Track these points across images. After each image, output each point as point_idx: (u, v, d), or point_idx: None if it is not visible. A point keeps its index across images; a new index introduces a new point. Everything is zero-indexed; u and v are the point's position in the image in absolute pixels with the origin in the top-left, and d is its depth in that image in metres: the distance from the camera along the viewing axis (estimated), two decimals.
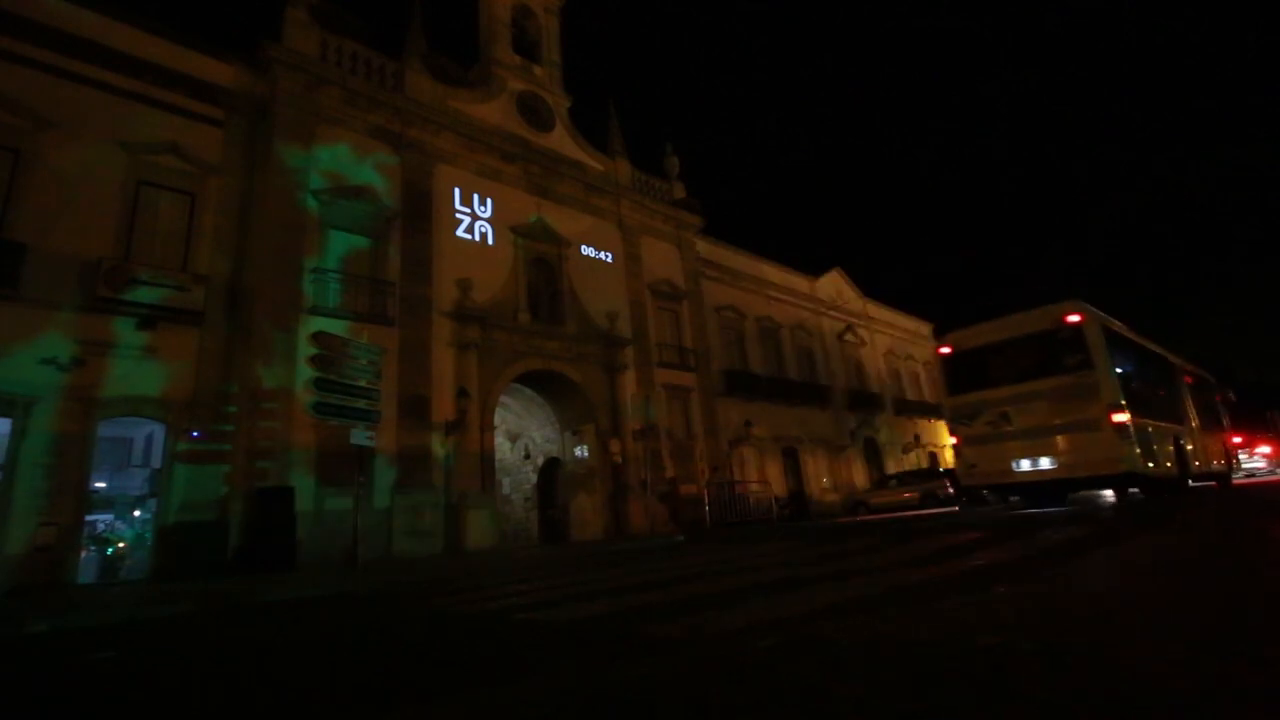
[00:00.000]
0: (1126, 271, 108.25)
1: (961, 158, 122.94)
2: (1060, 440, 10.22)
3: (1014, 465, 10.56)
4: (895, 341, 36.05)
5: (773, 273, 28.88)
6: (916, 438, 33.45)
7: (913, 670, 1.32)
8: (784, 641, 1.77)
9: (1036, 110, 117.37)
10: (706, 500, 18.58)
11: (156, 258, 12.30)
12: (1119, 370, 10.28)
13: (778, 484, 23.96)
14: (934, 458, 34.12)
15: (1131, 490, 12.00)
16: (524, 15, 20.61)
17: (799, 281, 30.38)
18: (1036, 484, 10.60)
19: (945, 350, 11.92)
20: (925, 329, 40.13)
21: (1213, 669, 1.15)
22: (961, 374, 11.58)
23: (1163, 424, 11.44)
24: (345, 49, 15.62)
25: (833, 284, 32.41)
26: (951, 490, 20.86)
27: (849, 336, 31.91)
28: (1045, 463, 10.30)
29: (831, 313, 31.42)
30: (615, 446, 18.05)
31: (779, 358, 27.39)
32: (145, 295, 11.73)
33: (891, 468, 29.97)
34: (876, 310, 35.42)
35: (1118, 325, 11.48)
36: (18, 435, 10.40)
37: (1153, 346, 13.07)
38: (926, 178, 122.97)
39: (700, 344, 22.54)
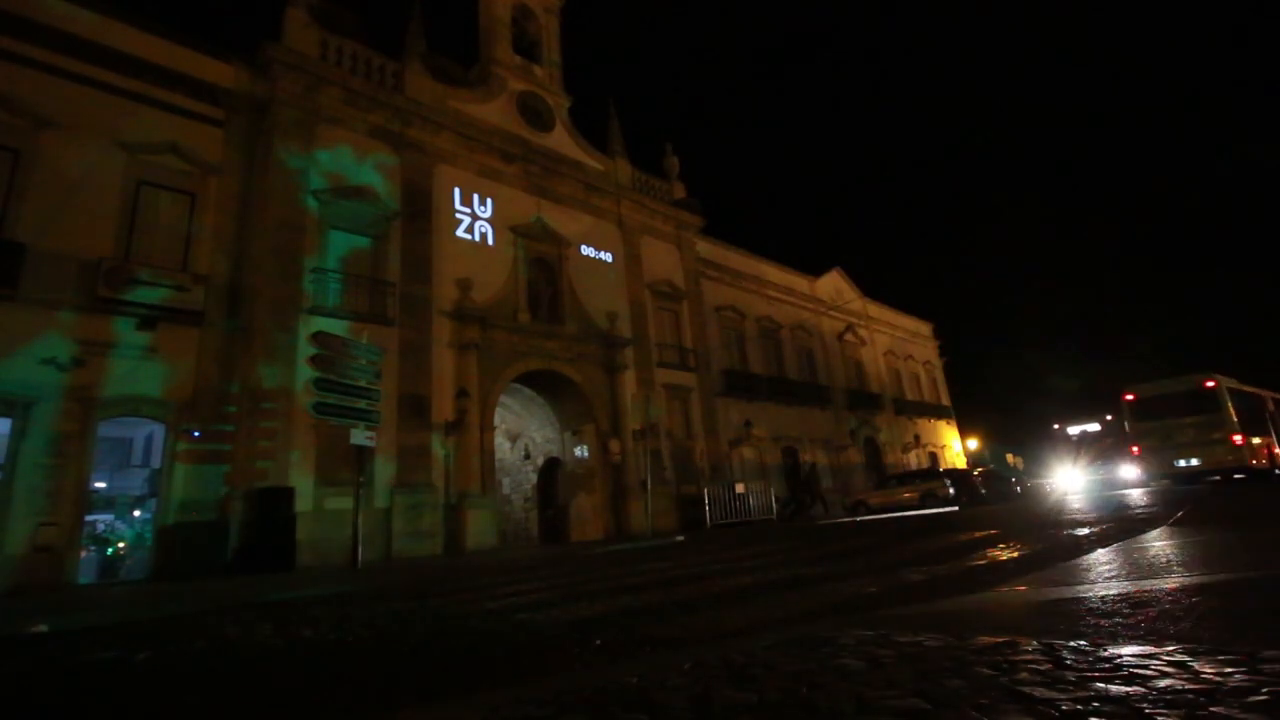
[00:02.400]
0: (1127, 269, 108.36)
1: (961, 157, 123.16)
2: (1203, 449, 17.54)
3: (1175, 463, 18.13)
4: (895, 341, 36.08)
5: (773, 273, 28.89)
6: (916, 438, 33.46)
7: (914, 669, 1.32)
8: (784, 641, 1.77)
9: (1037, 110, 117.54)
10: (706, 500, 18.58)
11: (156, 258, 12.31)
12: (1235, 408, 17.44)
13: (777, 484, 23.95)
14: (934, 457, 34.13)
15: (1238, 476, 17.73)
16: (524, 15, 20.62)
17: (799, 281, 30.40)
18: (1186, 474, 17.98)
19: (1130, 397, 19.26)
20: (925, 329, 40.16)
21: (1209, 669, 1.15)
22: (1140, 411, 19.05)
23: (1258, 436, 18.08)
24: (345, 49, 15.63)
25: (833, 284, 32.43)
26: (952, 490, 20.90)
27: (849, 336, 31.92)
28: (1194, 461, 17.74)
29: (831, 313, 31.44)
30: (615, 446, 18.05)
31: (779, 358, 27.40)
32: (145, 295, 11.74)
33: (891, 468, 29.99)
34: (876, 310, 35.43)
35: (1233, 383, 18.53)
36: (18, 435, 10.42)
37: (1248, 388, 19.48)
38: (926, 177, 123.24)
39: (700, 344, 22.54)
